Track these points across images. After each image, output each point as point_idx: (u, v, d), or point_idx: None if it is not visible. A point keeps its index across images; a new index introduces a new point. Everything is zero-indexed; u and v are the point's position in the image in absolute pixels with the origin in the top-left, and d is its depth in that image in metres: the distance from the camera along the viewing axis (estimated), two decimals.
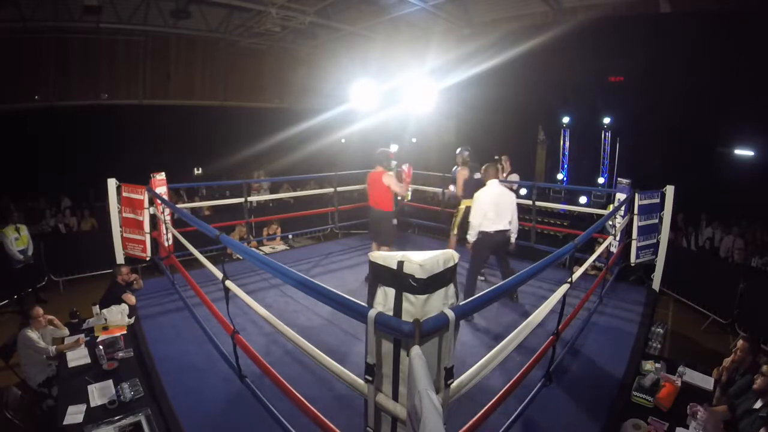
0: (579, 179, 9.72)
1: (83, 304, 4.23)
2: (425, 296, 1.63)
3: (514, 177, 5.92)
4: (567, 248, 2.72)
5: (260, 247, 7.18)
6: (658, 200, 4.66)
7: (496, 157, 5.84)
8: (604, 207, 6.61)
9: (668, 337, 4.77)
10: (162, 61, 9.66)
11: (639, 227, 4.63)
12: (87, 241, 7.36)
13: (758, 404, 2.45)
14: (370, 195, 4.86)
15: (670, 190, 4.52)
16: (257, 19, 8.48)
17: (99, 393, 2.82)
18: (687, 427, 2.57)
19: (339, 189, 6.51)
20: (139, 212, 4.66)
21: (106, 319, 3.73)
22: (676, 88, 7.54)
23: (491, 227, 3.99)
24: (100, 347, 3.21)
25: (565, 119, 9.95)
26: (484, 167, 4.20)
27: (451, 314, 1.52)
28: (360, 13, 8.61)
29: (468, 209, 4.59)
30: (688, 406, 2.64)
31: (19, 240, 6.09)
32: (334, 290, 1.74)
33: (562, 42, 7.03)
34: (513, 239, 4.21)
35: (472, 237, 4.09)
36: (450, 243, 5.17)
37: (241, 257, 4.91)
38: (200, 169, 11.92)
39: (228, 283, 2.64)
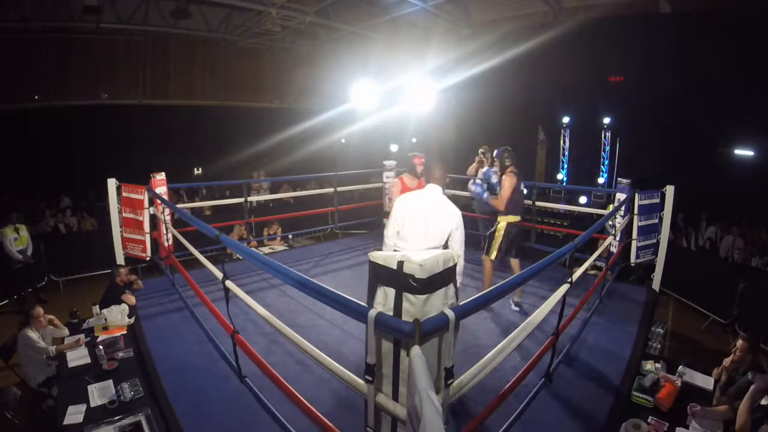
0: (579, 179, 9.72)
1: (83, 304, 4.23)
2: (425, 296, 1.64)
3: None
4: (567, 248, 2.73)
5: (260, 247, 7.18)
6: (658, 200, 4.66)
7: (482, 150, 5.71)
8: (604, 207, 6.61)
9: (668, 337, 4.77)
10: (162, 61, 9.66)
11: (639, 227, 4.63)
12: (87, 241, 7.37)
13: (764, 401, 2.45)
14: None
15: (670, 190, 4.52)
16: (257, 19, 8.48)
17: (99, 393, 2.82)
18: (687, 427, 2.57)
19: (339, 189, 6.51)
20: (139, 212, 4.66)
21: (106, 319, 3.73)
22: (676, 88, 7.54)
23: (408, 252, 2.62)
24: (100, 347, 3.21)
25: (565, 119, 9.95)
26: (430, 164, 2.93)
27: (451, 314, 1.52)
28: (360, 13, 8.61)
29: (509, 226, 4.11)
30: (689, 406, 2.64)
31: (19, 240, 6.09)
32: (334, 290, 1.75)
33: (562, 42, 7.03)
34: (458, 281, 2.55)
35: None
36: (485, 270, 4.24)
37: (241, 257, 4.91)
38: (200, 169, 11.94)
39: (228, 283, 2.64)
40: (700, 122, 7.66)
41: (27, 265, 6.19)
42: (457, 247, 2.73)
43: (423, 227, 2.64)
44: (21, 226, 6.20)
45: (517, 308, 4.11)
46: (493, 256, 4.14)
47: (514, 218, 4.14)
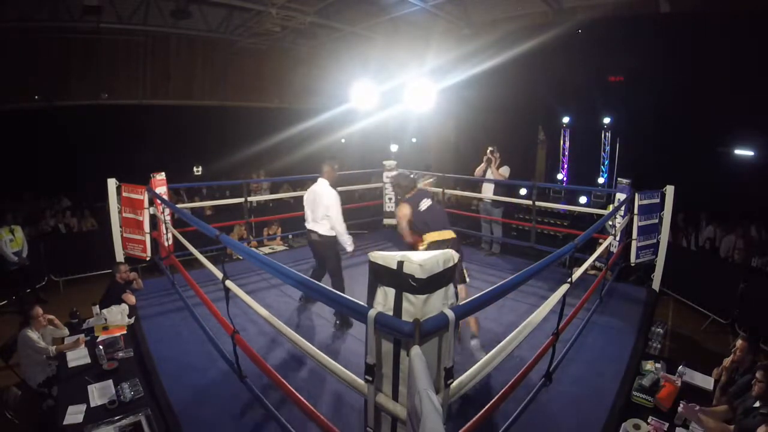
0: (579, 179, 9.71)
1: (83, 304, 4.22)
2: (425, 296, 1.63)
3: (505, 169, 5.87)
4: (567, 248, 2.73)
5: (260, 247, 7.18)
6: (658, 200, 4.66)
7: (490, 149, 5.79)
8: (604, 207, 6.61)
9: (668, 337, 4.77)
10: (162, 61, 9.65)
11: (639, 227, 4.63)
12: (87, 241, 7.37)
13: (758, 403, 2.45)
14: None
15: (670, 190, 4.52)
16: (257, 19, 8.48)
17: (99, 393, 2.82)
18: (687, 427, 2.57)
19: (339, 189, 6.47)
20: (139, 212, 4.66)
21: (106, 319, 3.73)
22: (676, 88, 7.54)
23: (308, 225, 4.05)
24: (100, 347, 3.21)
25: (565, 119, 9.94)
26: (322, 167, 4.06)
27: (450, 314, 1.52)
28: (360, 14, 8.60)
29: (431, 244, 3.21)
30: (680, 404, 2.64)
31: (14, 242, 6.08)
32: (334, 290, 1.75)
33: (562, 42, 7.02)
34: (347, 247, 3.93)
35: None
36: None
37: (241, 257, 4.90)
38: (200, 169, 11.94)
39: (228, 283, 2.64)
40: (699, 122, 7.66)
41: (23, 266, 6.18)
42: (335, 222, 3.86)
43: (312, 205, 3.98)
44: (16, 227, 6.19)
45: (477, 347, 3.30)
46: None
47: (433, 235, 3.28)
